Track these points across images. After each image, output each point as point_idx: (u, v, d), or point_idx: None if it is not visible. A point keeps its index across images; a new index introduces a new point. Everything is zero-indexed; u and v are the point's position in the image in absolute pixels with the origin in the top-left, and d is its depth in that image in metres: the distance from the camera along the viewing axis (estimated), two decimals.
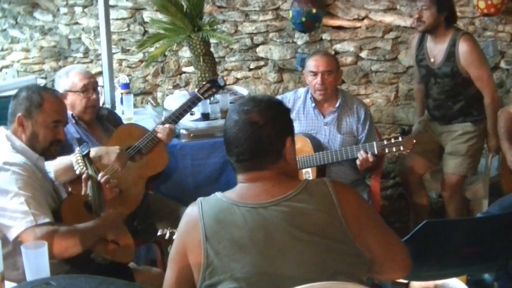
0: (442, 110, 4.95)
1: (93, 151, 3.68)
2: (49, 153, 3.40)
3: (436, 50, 4.83)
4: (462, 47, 4.70)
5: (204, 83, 4.66)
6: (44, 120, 3.30)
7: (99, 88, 4.42)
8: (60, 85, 4.26)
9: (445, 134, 4.99)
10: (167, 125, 4.34)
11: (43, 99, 3.31)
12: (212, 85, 4.58)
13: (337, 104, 4.57)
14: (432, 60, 4.86)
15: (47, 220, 2.99)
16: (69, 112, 4.14)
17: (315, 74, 4.52)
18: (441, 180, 5.13)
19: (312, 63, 4.56)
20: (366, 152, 4.22)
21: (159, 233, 3.06)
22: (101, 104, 4.94)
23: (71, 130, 4.14)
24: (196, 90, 4.62)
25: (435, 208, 5.92)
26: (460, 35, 4.75)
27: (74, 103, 4.23)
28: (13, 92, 6.18)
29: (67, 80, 4.24)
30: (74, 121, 4.20)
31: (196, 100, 4.51)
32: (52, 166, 3.43)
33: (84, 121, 4.28)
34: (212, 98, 4.81)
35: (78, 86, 4.21)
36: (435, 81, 4.89)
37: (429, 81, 4.93)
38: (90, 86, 4.26)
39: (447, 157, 5.02)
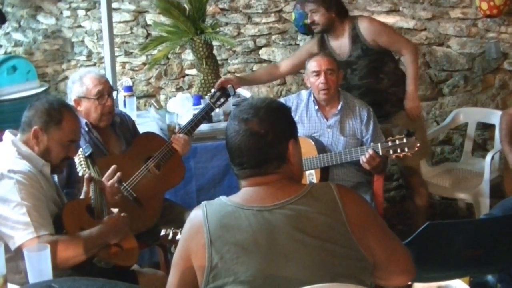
0: (371, 95, 4.93)
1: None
2: (58, 169, 3.39)
3: (340, 43, 4.90)
4: (362, 24, 4.82)
5: (215, 91, 4.64)
6: (61, 138, 3.27)
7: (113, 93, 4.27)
8: (74, 91, 4.11)
9: (387, 133, 4.86)
10: (181, 135, 4.28)
11: (62, 116, 3.27)
12: (223, 93, 4.58)
13: (339, 107, 4.56)
14: (339, 55, 4.90)
15: (47, 232, 2.98)
16: (83, 120, 4.06)
17: (318, 73, 4.50)
18: (403, 174, 5.34)
19: (314, 63, 4.54)
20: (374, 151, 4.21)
21: (162, 233, 3.06)
22: None
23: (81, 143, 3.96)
24: (208, 99, 4.61)
25: (438, 210, 5.93)
26: (357, 18, 4.91)
27: (89, 110, 4.08)
28: (17, 96, 6.31)
29: (81, 86, 4.08)
30: (86, 129, 4.07)
31: (209, 110, 4.51)
32: None
33: (97, 129, 4.14)
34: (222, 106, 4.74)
35: (93, 92, 4.06)
36: (351, 70, 4.90)
37: (346, 74, 4.90)
38: (105, 92, 4.09)
39: None
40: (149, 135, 4.44)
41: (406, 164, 5.06)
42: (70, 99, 4.12)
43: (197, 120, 4.42)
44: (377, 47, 4.83)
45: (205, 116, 4.47)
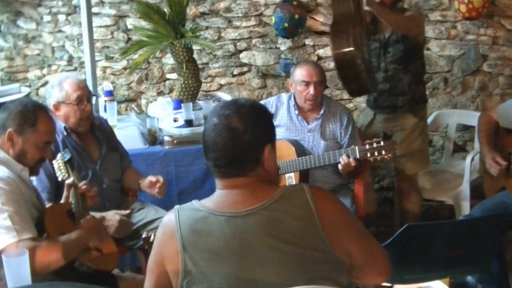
0: (391, 83, 4.94)
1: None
2: (33, 171, 3.37)
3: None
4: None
5: None
6: (36, 140, 3.24)
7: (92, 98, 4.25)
8: (53, 96, 4.10)
9: (390, 126, 5.07)
10: None
11: (37, 118, 3.25)
12: None
13: (322, 111, 4.57)
14: (383, 34, 4.92)
15: (29, 235, 2.95)
16: (62, 124, 4.05)
17: (307, 84, 4.50)
18: (398, 177, 5.33)
19: (304, 73, 4.53)
20: (348, 157, 4.23)
21: (143, 235, 3.06)
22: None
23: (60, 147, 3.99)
24: None
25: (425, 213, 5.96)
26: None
27: (68, 115, 4.07)
28: None
29: (60, 91, 4.07)
30: (65, 133, 4.06)
31: None
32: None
33: (77, 133, 4.12)
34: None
35: (72, 97, 4.04)
36: (385, 51, 4.90)
37: (380, 54, 4.93)
38: (84, 97, 4.08)
39: (402, 159, 5.06)
40: None
41: (405, 173, 5.09)
42: (49, 104, 4.10)
43: None
44: (412, 38, 4.81)
45: None
